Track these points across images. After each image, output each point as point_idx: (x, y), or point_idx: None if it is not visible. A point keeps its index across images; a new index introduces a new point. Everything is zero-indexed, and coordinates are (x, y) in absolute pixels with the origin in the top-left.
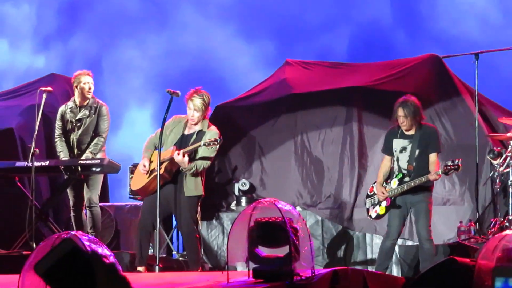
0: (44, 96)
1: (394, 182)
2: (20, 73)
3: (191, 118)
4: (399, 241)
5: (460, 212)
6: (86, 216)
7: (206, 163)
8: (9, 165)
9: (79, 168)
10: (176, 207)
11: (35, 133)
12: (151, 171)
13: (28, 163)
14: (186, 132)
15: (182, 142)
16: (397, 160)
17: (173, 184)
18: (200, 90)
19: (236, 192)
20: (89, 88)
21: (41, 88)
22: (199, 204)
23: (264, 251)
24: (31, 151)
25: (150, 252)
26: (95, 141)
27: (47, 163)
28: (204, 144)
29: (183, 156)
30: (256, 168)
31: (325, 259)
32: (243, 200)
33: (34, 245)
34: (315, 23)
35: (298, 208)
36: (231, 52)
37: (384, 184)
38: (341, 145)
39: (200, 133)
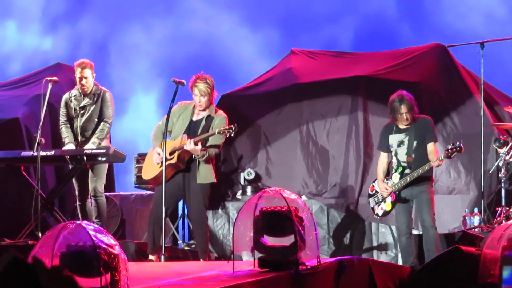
0: (50, 85)
1: (396, 177)
2: (28, 55)
3: (199, 104)
4: None
5: (466, 201)
6: (91, 205)
7: (216, 150)
8: (14, 154)
9: (85, 158)
10: (189, 195)
11: (41, 122)
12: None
13: (33, 152)
14: (194, 118)
15: (191, 128)
16: (396, 154)
17: (186, 172)
18: (202, 75)
19: (242, 182)
20: (81, 81)
21: (46, 78)
22: (210, 190)
23: (270, 240)
24: (37, 140)
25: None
26: (100, 126)
27: (52, 152)
28: (219, 132)
29: (196, 144)
30: (261, 158)
31: (331, 248)
32: (249, 189)
33: (40, 235)
34: (320, 13)
35: (304, 197)
36: (236, 40)
37: (385, 180)
38: (347, 134)
39: (209, 119)
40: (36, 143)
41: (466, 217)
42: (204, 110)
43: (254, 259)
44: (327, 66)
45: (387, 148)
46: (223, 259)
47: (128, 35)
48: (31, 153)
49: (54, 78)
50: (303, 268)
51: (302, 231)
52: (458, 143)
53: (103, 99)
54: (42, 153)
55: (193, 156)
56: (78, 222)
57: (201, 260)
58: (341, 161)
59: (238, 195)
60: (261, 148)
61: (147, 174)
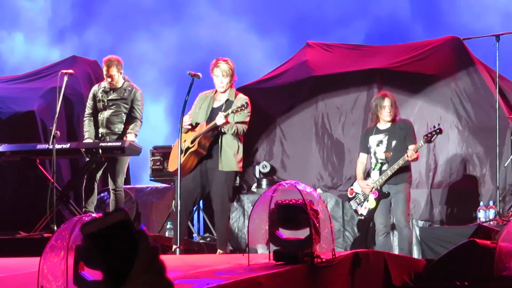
0: (65, 78)
1: (375, 174)
2: (36, 66)
3: (220, 86)
4: (420, 223)
5: (481, 194)
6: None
7: (244, 127)
8: (30, 147)
9: (100, 151)
10: (212, 184)
11: (56, 115)
12: (185, 150)
13: (49, 145)
14: (215, 106)
15: (212, 116)
16: (374, 154)
17: (209, 159)
18: (222, 58)
19: (257, 175)
20: (107, 78)
21: (62, 71)
22: (235, 180)
23: (285, 233)
24: (52, 133)
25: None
26: (132, 125)
27: (68, 145)
28: (233, 111)
29: (226, 117)
30: (277, 150)
31: (346, 241)
32: (264, 182)
33: (55, 228)
34: (330, 17)
35: (319, 190)
36: (244, 47)
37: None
38: (362, 127)
39: (228, 103)
40: (52, 136)
41: (481, 210)
42: (224, 91)
43: (269, 252)
44: (343, 59)
45: (367, 150)
46: (238, 252)
47: (135, 44)
48: (47, 146)
49: (70, 70)
50: (318, 261)
51: (317, 224)
52: (436, 126)
53: (134, 98)
54: (58, 146)
55: (222, 129)
56: (94, 215)
57: (220, 251)
58: (356, 154)
59: (253, 188)
60: (276, 141)
61: (172, 166)
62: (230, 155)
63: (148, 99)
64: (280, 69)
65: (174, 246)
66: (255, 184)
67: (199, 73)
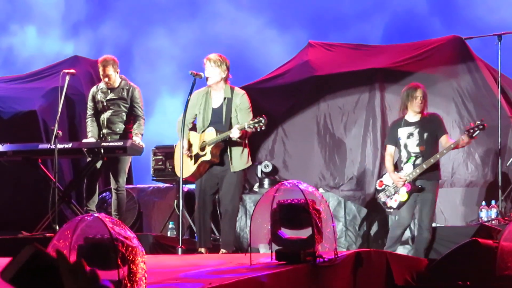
0: (67, 78)
1: (408, 167)
2: (49, 60)
3: (211, 74)
4: None
5: (483, 194)
6: (111, 199)
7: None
8: (32, 147)
9: (102, 151)
10: (222, 186)
11: (58, 115)
12: (195, 157)
13: (51, 145)
14: (214, 106)
15: (215, 116)
16: (405, 146)
17: (219, 163)
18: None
19: (259, 174)
20: (104, 78)
21: (64, 71)
22: (245, 176)
23: (287, 233)
24: (54, 133)
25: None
26: (136, 124)
27: (70, 145)
28: (249, 127)
29: (241, 130)
30: (278, 150)
31: (348, 241)
32: (266, 182)
33: (57, 228)
34: (349, 12)
35: (321, 190)
36: (264, 42)
37: (395, 172)
38: (364, 126)
39: (228, 101)
40: (54, 136)
41: (483, 210)
42: (216, 83)
43: (272, 252)
44: (345, 59)
45: (395, 142)
46: (240, 252)
47: (152, 39)
48: (48, 145)
49: (72, 70)
50: (320, 260)
51: (320, 224)
52: (479, 121)
53: (132, 96)
54: (60, 146)
55: (233, 138)
56: (96, 215)
57: (223, 250)
58: (358, 154)
59: (255, 188)
60: (278, 140)
61: (184, 173)
62: (237, 155)
63: (167, 94)
64: (282, 69)
65: (200, 249)
66: (257, 184)
67: (201, 73)
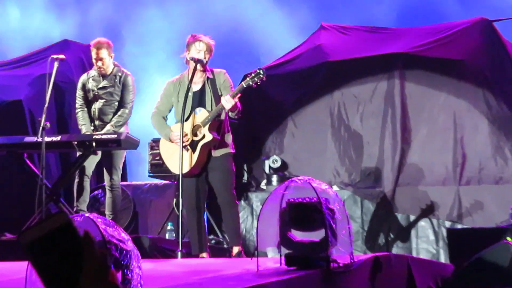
0: (56, 64)
1: None
2: (35, 45)
3: (203, 59)
4: (447, 224)
5: None
6: (105, 197)
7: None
8: (17, 140)
9: (94, 144)
10: (211, 172)
11: (46, 105)
12: (191, 145)
13: (38, 138)
14: (195, 89)
15: (197, 100)
16: None
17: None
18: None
19: (267, 170)
20: (97, 62)
21: (52, 56)
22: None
23: (298, 235)
24: (41, 125)
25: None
26: (119, 113)
27: (58, 138)
28: (248, 84)
29: (233, 98)
30: (288, 144)
31: (365, 244)
32: (274, 178)
33: None
34: None
35: (335, 187)
36: (269, 24)
37: None
38: (382, 117)
39: (211, 81)
40: (41, 128)
41: None
42: (203, 70)
43: (281, 256)
44: (360, 43)
45: None
46: (246, 256)
47: (145, 21)
48: (35, 138)
49: (61, 56)
50: (334, 265)
51: (334, 225)
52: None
53: (125, 83)
54: (47, 139)
55: (230, 114)
56: (86, 214)
57: (236, 248)
58: (376, 148)
59: (263, 185)
60: (287, 133)
61: (183, 167)
62: (220, 141)
63: (161, 81)
64: (291, 54)
65: (200, 254)
66: (265, 181)
67: (202, 59)
